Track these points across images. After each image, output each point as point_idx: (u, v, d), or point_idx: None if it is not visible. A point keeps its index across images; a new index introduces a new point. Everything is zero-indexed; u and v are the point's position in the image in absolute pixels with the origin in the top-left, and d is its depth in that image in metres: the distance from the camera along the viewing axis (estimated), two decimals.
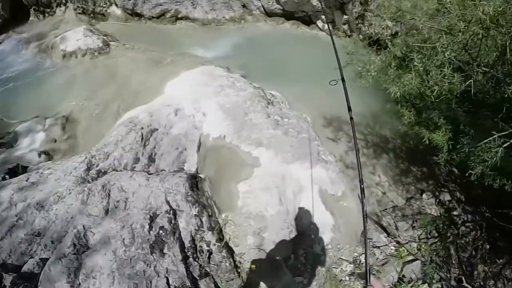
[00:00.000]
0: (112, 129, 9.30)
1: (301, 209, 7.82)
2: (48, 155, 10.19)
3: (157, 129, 9.15)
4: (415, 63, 5.70)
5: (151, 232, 6.65)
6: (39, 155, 10.13)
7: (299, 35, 15.10)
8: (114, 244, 6.33)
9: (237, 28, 15.50)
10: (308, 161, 8.54)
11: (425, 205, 8.26)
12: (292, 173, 8.32)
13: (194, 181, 8.08)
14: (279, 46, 14.22)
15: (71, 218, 6.78)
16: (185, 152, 8.98)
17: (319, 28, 15.21)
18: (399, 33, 8.46)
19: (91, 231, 6.55)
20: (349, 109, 4.23)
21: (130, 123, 9.10)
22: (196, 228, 7.05)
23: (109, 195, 7.28)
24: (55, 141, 10.60)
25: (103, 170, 8.19)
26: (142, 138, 8.80)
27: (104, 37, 13.78)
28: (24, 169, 9.11)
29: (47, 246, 6.38)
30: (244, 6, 15.92)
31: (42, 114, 11.29)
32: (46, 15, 16.30)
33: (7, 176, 8.52)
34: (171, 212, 7.07)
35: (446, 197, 8.37)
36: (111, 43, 13.56)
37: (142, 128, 9.01)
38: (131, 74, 12.09)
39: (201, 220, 7.21)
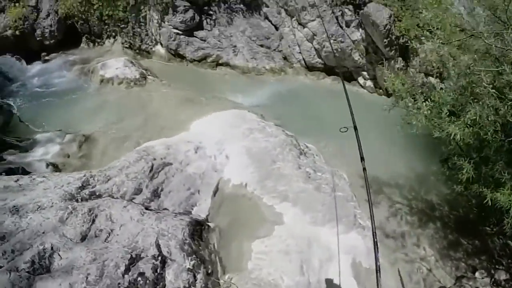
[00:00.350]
0: (124, 155, 8.71)
1: (328, 283, 6.52)
2: (56, 167, 9.82)
3: (170, 164, 8.47)
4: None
5: (125, 276, 5.49)
6: (47, 165, 9.81)
7: (339, 91, 14.30)
8: (75, 276, 5.20)
9: (277, 79, 15.18)
10: (342, 225, 7.44)
11: (479, 286, 6.92)
12: (320, 237, 7.20)
13: (198, 228, 7.14)
14: (318, 100, 13.64)
15: (43, 232, 5.88)
16: (197, 194, 8.18)
17: (360, 85, 14.71)
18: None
19: (58, 254, 5.56)
20: (362, 159, 4.11)
21: (143, 151, 8.49)
22: (187, 285, 5.91)
23: (93, 220, 6.42)
24: (68, 156, 10.26)
25: (97, 193, 7.46)
26: (151, 170, 8.11)
27: (143, 71, 13.75)
28: (25, 173, 8.67)
29: (6, 253, 5.41)
30: (285, 58, 15.73)
31: (66, 129, 11.24)
32: (96, 44, 16.66)
33: (4, 174, 8.14)
34: (159, 258, 5.99)
35: (502, 275, 7.01)
36: (148, 77, 13.47)
37: (154, 159, 8.35)
38: (161, 108, 11.75)
39: (195, 276, 6.08)
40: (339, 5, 14.29)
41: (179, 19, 14.97)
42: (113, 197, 7.51)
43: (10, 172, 8.55)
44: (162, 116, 11.30)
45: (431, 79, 13.63)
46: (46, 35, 16.11)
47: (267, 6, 15.50)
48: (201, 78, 14.75)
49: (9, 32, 15.60)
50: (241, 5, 15.58)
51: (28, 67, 15.26)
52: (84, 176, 7.76)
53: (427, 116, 6.32)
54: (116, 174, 7.90)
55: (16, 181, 7.25)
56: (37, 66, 15.39)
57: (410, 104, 6.87)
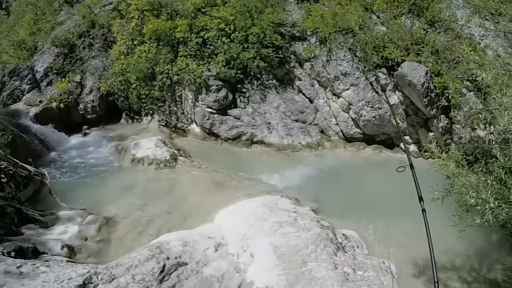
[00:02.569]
0: (135, 249, 7.62)
1: None
2: (71, 250, 8.95)
3: (186, 264, 7.26)
4: None
5: None
6: (62, 247, 8.92)
7: (382, 161, 13.05)
8: None
9: (314, 155, 13.96)
10: None
11: None
12: None
13: None
14: (360, 175, 12.18)
15: None
16: None
17: (404, 151, 13.11)
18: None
19: None
20: (420, 199, 3.46)
21: (157, 248, 7.36)
22: None
23: None
24: (86, 239, 9.41)
25: None
26: (162, 271, 6.92)
27: (175, 151, 13.11)
28: (36, 254, 8.17)
29: None
30: (322, 131, 14.67)
31: (90, 208, 10.56)
32: (135, 120, 16.60)
33: (12, 253, 7.57)
34: None
35: None
36: (179, 157, 12.79)
37: (168, 258, 7.18)
38: (188, 193, 10.86)
39: None
40: (372, 70, 13.43)
41: (212, 98, 14.56)
42: None
43: (19, 251, 7.83)
44: (188, 203, 10.36)
45: (479, 132, 11.96)
46: (88, 109, 16.42)
47: (300, 79, 14.88)
48: (235, 157, 13.92)
49: (54, 104, 16.01)
50: (274, 81, 15.04)
51: (68, 139, 15.24)
52: (88, 272, 6.80)
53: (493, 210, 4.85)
54: (122, 274, 6.81)
55: (18, 267, 6.66)
56: (76, 139, 15.38)
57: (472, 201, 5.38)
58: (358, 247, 8.56)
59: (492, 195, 5.20)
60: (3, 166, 10.41)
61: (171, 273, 7.02)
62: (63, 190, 11.68)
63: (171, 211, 10.07)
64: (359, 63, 13.64)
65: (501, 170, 5.37)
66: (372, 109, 13.48)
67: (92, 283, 6.62)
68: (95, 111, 16.45)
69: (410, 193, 10.59)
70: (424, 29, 13.15)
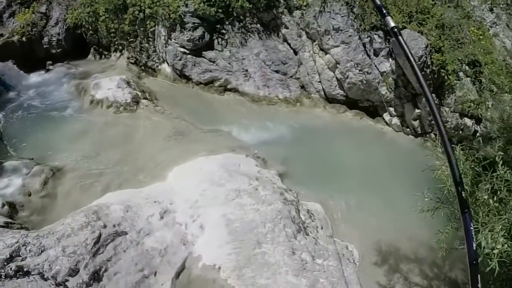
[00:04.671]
0: (72, 213, 6.57)
1: None
2: (13, 208, 7.99)
3: (125, 233, 6.28)
4: None
5: None
6: (3, 205, 7.92)
7: (361, 128, 11.97)
8: None
9: (291, 111, 12.66)
10: None
11: None
12: None
13: None
14: (335, 139, 11.11)
15: None
16: (152, 278, 5.96)
17: (385, 122, 12.17)
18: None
19: None
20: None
21: (94, 213, 6.31)
22: None
23: None
24: (30, 194, 8.40)
25: (26, 269, 5.57)
26: (97, 242, 5.94)
27: (138, 93, 11.67)
28: None
29: None
30: (302, 87, 13.27)
31: (39, 157, 9.44)
32: (103, 56, 14.88)
33: None
34: None
35: None
36: (142, 100, 11.39)
37: (105, 226, 6.17)
38: (145, 142, 9.64)
39: None
40: (367, 31, 11.90)
41: (187, 37, 12.85)
42: (43, 277, 5.58)
43: None
44: (143, 154, 9.20)
45: (467, 120, 11.34)
46: (53, 43, 14.58)
47: (287, 28, 13.19)
48: (204, 104, 12.54)
49: (15, 38, 14.04)
50: (258, 25, 13.32)
51: (28, 76, 13.52)
52: (17, 243, 5.85)
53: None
54: (52, 245, 5.85)
55: None
56: (37, 76, 13.67)
57: None
58: (322, 228, 7.60)
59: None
60: None
61: (107, 244, 6.04)
62: (15, 134, 10.42)
63: (124, 163, 8.94)
64: (355, 20, 11.95)
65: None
66: (360, 72, 12.01)
67: (20, 256, 5.70)
68: (61, 45, 14.58)
69: (385, 168, 9.90)
70: None
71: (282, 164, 9.80)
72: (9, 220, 7.51)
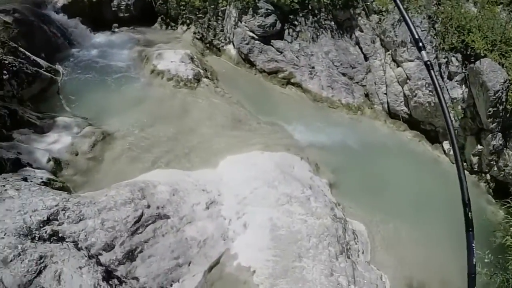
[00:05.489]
0: (117, 185, 6.15)
1: None
2: (58, 165, 7.76)
3: (167, 217, 5.77)
4: None
5: None
6: (48, 160, 7.73)
7: (417, 152, 11.08)
8: None
9: (350, 118, 11.82)
10: None
11: None
12: None
13: None
14: (390, 158, 10.37)
15: None
16: (185, 267, 5.46)
17: (443, 150, 11.15)
18: None
19: None
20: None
21: (139, 190, 5.84)
22: None
23: (39, 272, 4.33)
24: (77, 154, 8.12)
25: (61, 234, 5.16)
26: (138, 221, 5.47)
27: (200, 71, 11.18)
28: (16, 167, 7.00)
29: None
30: (366, 95, 12.38)
31: (92, 117, 9.20)
32: (169, 27, 14.50)
33: None
34: None
35: None
36: (203, 79, 10.89)
37: (149, 206, 5.69)
38: (200, 123, 9.16)
39: None
40: (446, 51, 10.81)
41: (258, 22, 12.20)
42: (77, 246, 5.18)
43: None
44: (197, 134, 8.73)
45: None
46: (121, 7, 14.33)
47: (361, 31, 12.28)
48: (264, 93, 11.92)
49: None
50: (332, 22, 12.48)
51: (93, 35, 13.43)
52: (57, 206, 5.48)
53: None
54: (91, 216, 5.44)
55: None
56: (102, 37, 13.52)
57: None
58: (363, 252, 6.85)
59: None
60: (7, 62, 8.83)
61: (147, 225, 5.57)
62: (73, 91, 10.20)
63: (176, 140, 8.51)
64: (435, 37, 10.90)
65: None
66: (430, 93, 10.92)
67: (58, 220, 5.33)
68: (129, 10, 14.32)
69: (434, 199, 9.03)
70: None
71: (333, 173, 9.24)
72: (52, 176, 7.27)
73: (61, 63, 11.51)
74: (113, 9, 14.27)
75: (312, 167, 8.54)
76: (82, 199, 5.82)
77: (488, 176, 10.35)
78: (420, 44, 2.13)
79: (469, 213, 2.00)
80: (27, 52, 10.18)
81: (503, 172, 9.98)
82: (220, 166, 7.42)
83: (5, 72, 8.72)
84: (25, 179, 6.78)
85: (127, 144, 8.28)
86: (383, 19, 11.86)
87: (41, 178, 7.07)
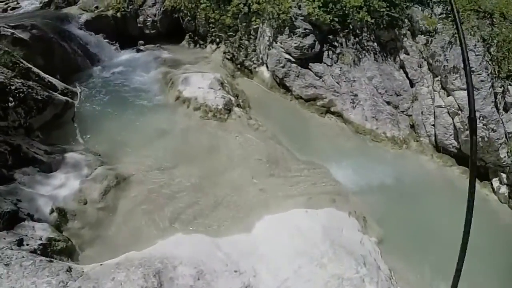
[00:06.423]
0: (128, 264, 4.76)
1: None
2: (62, 216, 6.52)
3: None
4: None
5: None
6: (52, 211, 6.51)
7: (465, 190, 9.27)
8: None
9: (395, 153, 10.24)
10: None
11: None
12: None
13: None
14: (438, 198, 8.87)
15: None
16: None
17: (492, 189, 9.49)
18: None
19: None
20: None
21: (155, 275, 4.47)
22: None
23: None
24: (85, 203, 6.86)
25: None
26: None
27: (231, 98, 9.80)
28: (12, 223, 5.81)
29: None
30: (412, 126, 10.78)
31: (105, 152, 8.05)
32: (197, 45, 13.35)
33: None
34: None
35: None
36: (235, 108, 9.53)
37: None
38: (230, 164, 7.80)
39: None
40: (502, 78, 9.15)
41: (295, 43, 10.78)
42: None
43: None
44: (226, 181, 7.37)
45: None
46: (148, 23, 13.37)
47: (407, 53, 10.70)
48: (301, 124, 10.44)
49: (110, 12, 13.01)
50: (375, 43, 10.97)
51: (117, 53, 12.47)
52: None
53: None
54: None
55: None
56: (126, 54, 12.49)
57: None
58: None
59: None
60: (13, 87, 7.68)
61: None
62: (89, 118, 9.12)
63: (201, 189, 7.13)
64: (490, 62, 9.23)
65: None
66: (484, 127, 9.25)
67: None
68: (155, 27, 13.30)
69: (479, 239, 7.42)
70: None
71: (381, 225, 7.75)
72: (54, 235, 6.01)
73: (80, 83, 10.47)
74: (139, 25, 13.30)
75: (360, 223, 7.12)
76: (83, 282, 4.48)
77: None
78: None
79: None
80: (41, 73, 9.11)
81: None
82: (255, 229, 5.96)
83: (10, 99, 7.56)
84: (20, 241, 5.55)
85: (144, 194, 6.97)
86: (432, 41, 10.28)
87: (40, 239, 5.83)
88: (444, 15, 10.13)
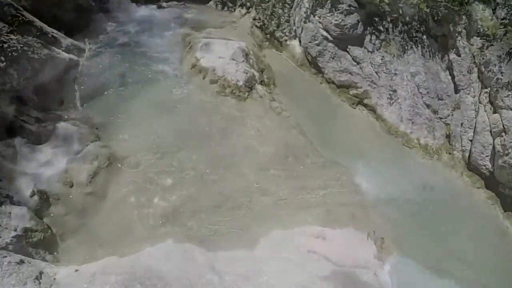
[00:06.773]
0: (92, 280, 3.90)
1: None
2: (44, 201, 5.74)
3: None
4: None
5: None
6: (33, 193, 5.71)
7: (489, 218, 8.81)
8: None
9: (425, 164, 9.21)
10: None
11: None
12: None
13: None
14: (460, 222, 8.23)
15: None
16: None
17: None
18: None
19: None
20: None
21: None
22: None
23: None
24: (71, 185, 5.95)
25: None
26: None
27: (255, 73, 8.57)
28: None
29: None
30: (447, 136, 9.60)
31: (103, 123, 7.17)
32: (225, 8, 11.97)
33: None
34: None
35: None
36: (257, 86, 8.35)
37: None
38: (241, 156, 6.72)
39: None
40: None
41: (336, 20, 9.39)
42: None
43: None
44: (233, 175, 6.41)
45: None
46: None
47: (458, 54, 9.24)
48: (330, 113, 9.33)
49: None
50: (424, 36, 9.52)
51: (136, 8, 11.07)
52: None
53: None
54: None
55: None
56: (145, 11, 11.16)
57: None
58: None
59: None
60: (6, 45, 6.72)
61: None
62: (91, 80, 8.13)
63: (203, 182, 6.15)
64: None
65: None
66: None
67: None
68: None
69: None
70: None
71: (399, 247, 6.98)
72: (31, 224, 5.20)
73: (90, 39, 9.36)
74: None
75: (377, 245, 6.18)
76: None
77: None
78: None
79: None
80: (45, 27, 8.07)
81: None
82: (259, 246, 4.98)
83: (2, 58, 6.55)
84: None
85: (138, 182, 6.07)
86: (488, 46, 8.81)
87: (15, 230, 5.03)
88: (508, 21, 8.60)
